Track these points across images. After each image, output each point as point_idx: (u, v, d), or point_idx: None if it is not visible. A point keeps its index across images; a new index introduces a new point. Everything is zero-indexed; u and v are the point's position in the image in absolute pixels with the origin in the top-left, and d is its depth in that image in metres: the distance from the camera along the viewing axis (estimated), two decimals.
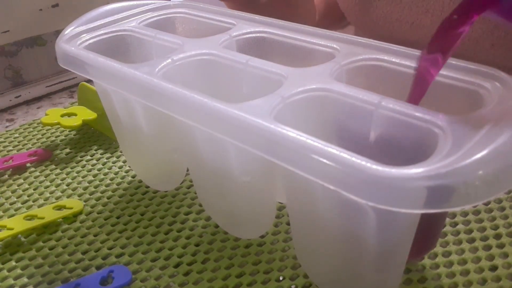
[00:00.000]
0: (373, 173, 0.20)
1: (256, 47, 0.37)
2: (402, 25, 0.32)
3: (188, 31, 0.43)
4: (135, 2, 0.44)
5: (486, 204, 0.37)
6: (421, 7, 0.31)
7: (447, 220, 0.36)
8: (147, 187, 0.43)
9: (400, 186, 0.19)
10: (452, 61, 0.28)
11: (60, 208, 0.40)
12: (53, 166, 0.47)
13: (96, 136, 0.52)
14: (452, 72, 0.28)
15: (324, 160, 0.21)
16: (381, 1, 0.33)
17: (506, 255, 0.33)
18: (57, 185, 0.44)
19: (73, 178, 0.45)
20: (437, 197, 0.19)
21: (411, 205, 0.20)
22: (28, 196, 0.43)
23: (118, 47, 0.39)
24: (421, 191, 0.19)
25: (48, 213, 0.39)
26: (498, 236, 0.34)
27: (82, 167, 0.46)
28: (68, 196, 0.43)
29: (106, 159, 0.47)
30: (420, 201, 0.19)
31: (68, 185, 0.44)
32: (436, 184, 0.19)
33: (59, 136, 0.52)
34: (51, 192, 0.43)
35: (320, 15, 0.54)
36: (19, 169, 0.47)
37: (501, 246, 0.34)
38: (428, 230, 0.30)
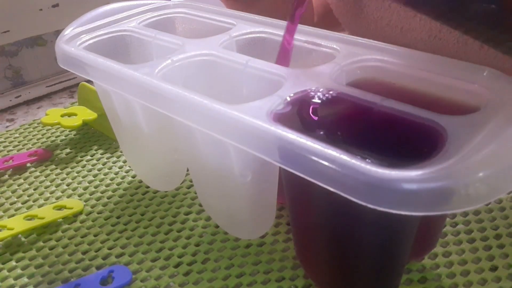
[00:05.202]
0: (373, 175, 0.20)
1: (256, 47, 0.37)
2: (393, 30, 0.32)
3: (188, 31, 0.43)
4: (135, 2, 0.44)
5: (486, 204, 0.37)
6: (410, 12, 0.30)
7: (447, 220, 0.36)
8: (147, 187, 0.43)
9: (400, 189, 0.19)
10: (452, 61, 0.28)
11: (60, 208, 0.40)
12: (53, 166, 0.47)
13: (96, 136, 0.52)
14: (452, 72, 0.28)
15: (324, 162, 0.21)
16: (371, 7, 0.33)
17: (506, 256, 0.33)
18: (57, 185, 0.44)
19: (73, 178, 0.45)
20: (437, 200, 0.19)
21: (411, 208, 0.20)
22: (28, 196, 0.43)
23: (118, 48, 0.39)
24: (421, 193, 0.19)
25: (48, 213, 0.39)
26: (498, 237, 0.34)
27: (82, 167, 0.46)
28: (68, 196, 0.43)
29: (106, 159, 0.47)
30: (420, 203, 0.19)
31: (68, 185, 0.44)
32: (436, 186, 0.19)
33: (59, 136, 0.52)
34: (51, 192, 0.43)
35: (319, 17, 0.54)
36: (19, 169, 0.47)
37: (501, 246, 0.34)
38: (428, 230, 0.30)
